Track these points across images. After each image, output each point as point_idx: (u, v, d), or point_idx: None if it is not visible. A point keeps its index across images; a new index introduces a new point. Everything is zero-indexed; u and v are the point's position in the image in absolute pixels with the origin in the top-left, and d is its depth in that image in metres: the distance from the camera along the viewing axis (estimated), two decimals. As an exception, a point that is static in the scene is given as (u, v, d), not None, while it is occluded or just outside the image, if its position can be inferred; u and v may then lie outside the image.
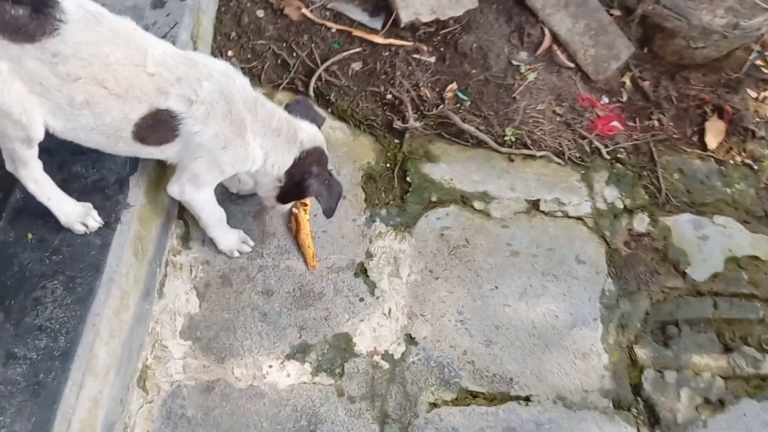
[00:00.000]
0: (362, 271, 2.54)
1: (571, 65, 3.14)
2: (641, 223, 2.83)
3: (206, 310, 2.36)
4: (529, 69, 3.09)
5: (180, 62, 1.96)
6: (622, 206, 2.87)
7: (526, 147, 2.94)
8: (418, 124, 2.89)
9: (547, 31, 3.11)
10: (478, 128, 2.91)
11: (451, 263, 2.61)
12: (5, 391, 1.76)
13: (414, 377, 2.33)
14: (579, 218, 2.80)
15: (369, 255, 2.58)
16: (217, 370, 2.26)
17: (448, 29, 3.11)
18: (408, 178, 2.80)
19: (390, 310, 2.47)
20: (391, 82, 2.98)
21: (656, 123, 3.18)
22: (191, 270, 2.43)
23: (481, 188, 2.83)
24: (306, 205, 2.58)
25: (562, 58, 3.12)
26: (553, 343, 2.46)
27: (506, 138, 2.93)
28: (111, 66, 1.82)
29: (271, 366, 2.30)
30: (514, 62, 3.10)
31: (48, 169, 2.03)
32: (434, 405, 2.29)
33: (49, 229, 2.04)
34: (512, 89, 3.03)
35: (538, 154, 2.93)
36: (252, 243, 2.50)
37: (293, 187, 2.26)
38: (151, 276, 2.26)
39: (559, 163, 2.94)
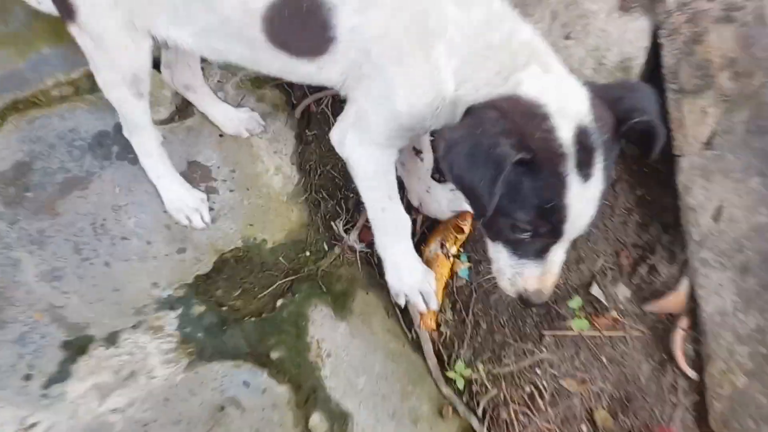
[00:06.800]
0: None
1: (691, 374, 1.51)
2: None
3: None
4: (594, 320, 1.56)
5: None
6: None
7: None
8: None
9: (683, 285, 1.54)
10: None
11: None
12: None
13: None
14: None
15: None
16: None
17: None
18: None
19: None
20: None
21: None
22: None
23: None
24: (461, 230, 1.63)
25: (679, 353, 1.52)
26: None
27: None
28: None
29: None
30: (593, 292, 1.59)
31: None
32: None
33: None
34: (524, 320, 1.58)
35: None
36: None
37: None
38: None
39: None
